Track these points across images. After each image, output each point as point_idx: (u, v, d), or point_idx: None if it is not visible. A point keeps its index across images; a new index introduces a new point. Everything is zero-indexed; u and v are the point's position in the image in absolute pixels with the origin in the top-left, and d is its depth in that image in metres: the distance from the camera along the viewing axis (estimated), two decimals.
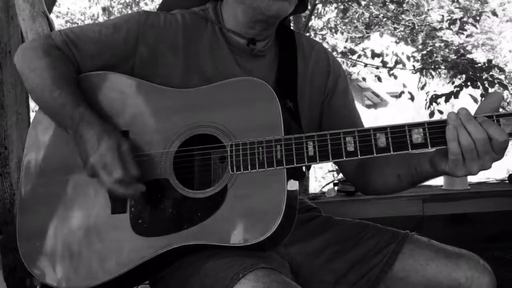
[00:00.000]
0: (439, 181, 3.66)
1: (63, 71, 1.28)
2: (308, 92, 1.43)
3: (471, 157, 1.06)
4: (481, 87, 5.43)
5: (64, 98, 1.23)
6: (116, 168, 1.15)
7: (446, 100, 5.44)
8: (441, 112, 5.59)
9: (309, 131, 1.37)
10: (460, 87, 5.45)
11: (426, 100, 5.82)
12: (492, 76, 5.52)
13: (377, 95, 16.73)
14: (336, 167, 4.94)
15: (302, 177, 1.25)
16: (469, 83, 5.48)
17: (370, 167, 1.38)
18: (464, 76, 5.73)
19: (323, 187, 3.91)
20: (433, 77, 6.79)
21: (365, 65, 6.65)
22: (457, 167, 1.08)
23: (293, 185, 1.18)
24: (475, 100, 5.25)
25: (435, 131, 1.08)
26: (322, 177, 8.00)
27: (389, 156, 1.11)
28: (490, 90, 5.48)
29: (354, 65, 7.04)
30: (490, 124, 1.04)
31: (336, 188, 3.53)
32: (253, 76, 1.34)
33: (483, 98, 5.28)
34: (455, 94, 5.35)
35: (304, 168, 1.27)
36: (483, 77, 5.47)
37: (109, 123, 1.24)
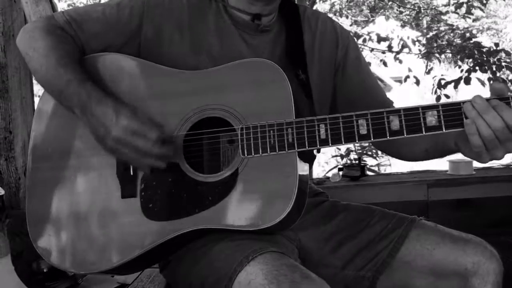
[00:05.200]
0: (444, 166, 3.65)
1: (67, 50, 1.27)
2: (317, 64, 1.41)
3: (494, 146, 1.05)
4: (489, 71, 5.37)
5: (69, 76, 1.21)
6: (150, 129, 1.13)
7: (455, 86, 5.39)
8: (447, 97, 5.54)
9: (319, 104, 1.36)
10: (469, 71, 5.39)
11: (433, 85, 5.76)
12: (499, 60, 5.46)
13: (381, 80, 16.63)
14: (341, 152, 4.94)
15: (312, 159, 1.24)
16: (477, 68, 5.42)
17: (398, 144, 1.35)
18: (470, 60, 5.66)
19: (328, 172, 3.91)
20: (440, 61, 6.72)
21: (372, 49, 6.59)
22: (481, 157, 1.08)
23: (304, 169, 1.17)
24: (483, 84, 5.20)
25: (450, 113, 1.06)
26: (325, 162, 7.98)
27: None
28: (498, 74, 5.42)
29: (361, 50, 6.95)
30: (504, 109, 1.02)
31: (340, 173, 3.53)
32: (260, 51, 1.33)
33: (491, 82, 5.24)
34: (466, 80, 5.28)
35: (315, 151, 1.26)
36: (491, 61, 5.41)
37: (116, 98, 1.22)
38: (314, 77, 1.38)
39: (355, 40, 1.54)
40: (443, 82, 5.58)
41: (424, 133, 1.07)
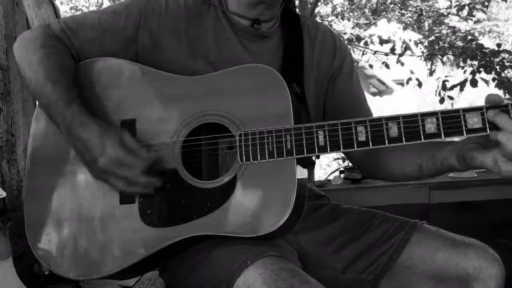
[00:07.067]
0: None
1: (58, 63, 1.26)
2: (314, 76, 1.41)
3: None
4: (493, 71, 5.36)
5: (56, 94, 1.21)
6: (136, 159, 1.14)
7: (461, 89, 5.37)
8: (451, 98, 5.53)
9: (315, 116, 1.36)
10: (473, 73, 5.37)
11: (437, 86, 5.74)
12: (502, 60, 5.45)
13: (383, 83, 16.61)
14: (342, 155, 4.93)
15: (311, 164, 1.24)
16: (481, 69, 5.40)
17: (387, 154, 1.31)
18: (473, 62, 5.66)
19: (329, 174, 3.90)
20: (444, 63, 6.71)
21: (374, 52, 6.58)
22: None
23: (302, 173, 1.17)
24: (487, 83, 5.19)
25: (449, 120, 1.06)
26: (327, 164, 7.98)
27: (409, 146, 1.09)
28: (503, 74, 5.41)
29: (364, 53, 6.94)
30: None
31: (342, 175, 3.52)
32: (259, 58, 1.33)
33: (495, 82, 5.20)
34: (472, 82, 5.26)
35: (313, 157, 1.26)
36: (494, 62, 5.40)
37: (101, 119, 1.21)
38: (310, 90, 1.39)
39: (352, 55, 1.55)
40: (447, 84, 5.57)
41: (423, 140, 1.07)
